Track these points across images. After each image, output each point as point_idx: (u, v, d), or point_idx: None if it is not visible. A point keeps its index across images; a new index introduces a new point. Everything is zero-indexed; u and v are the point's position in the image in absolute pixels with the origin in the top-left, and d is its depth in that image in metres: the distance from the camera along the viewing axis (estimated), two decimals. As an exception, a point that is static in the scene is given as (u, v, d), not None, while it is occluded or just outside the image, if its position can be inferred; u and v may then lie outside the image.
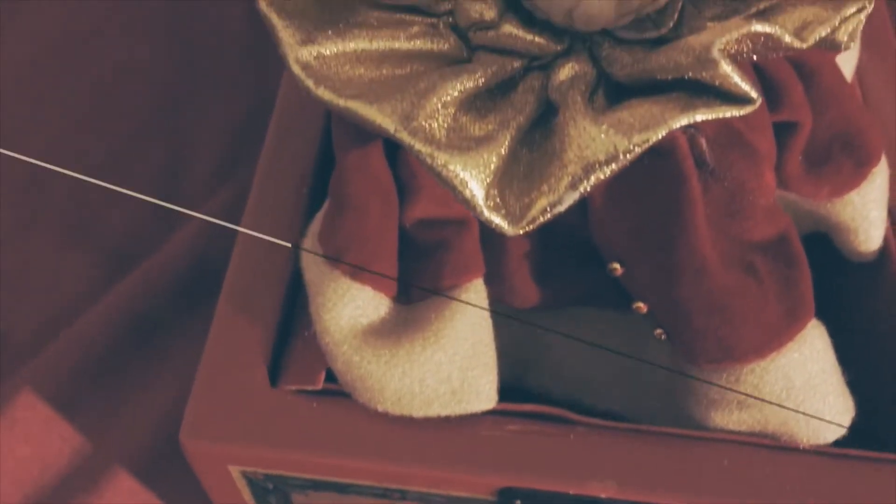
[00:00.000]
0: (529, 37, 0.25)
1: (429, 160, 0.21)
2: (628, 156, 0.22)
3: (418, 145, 0.21)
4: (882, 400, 0.32)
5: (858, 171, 0.32)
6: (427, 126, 0.22)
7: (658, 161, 0.25)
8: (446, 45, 0.25)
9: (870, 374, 0.30)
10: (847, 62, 0.38)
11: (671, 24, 0.25)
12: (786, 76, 0.29)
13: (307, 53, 0.23)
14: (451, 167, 0.21)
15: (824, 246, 0.36)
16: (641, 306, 0.28)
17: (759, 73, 0.28)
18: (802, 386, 0.27)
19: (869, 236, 0.33)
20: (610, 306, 0.31)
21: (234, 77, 0.59)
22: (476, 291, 0.27)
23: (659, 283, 0.27)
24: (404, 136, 0.21)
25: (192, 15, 0.62)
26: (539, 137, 0.24)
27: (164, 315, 0.48)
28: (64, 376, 0.46)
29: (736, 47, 0.22)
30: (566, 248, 0.29)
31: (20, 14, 0.62)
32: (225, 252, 0.50)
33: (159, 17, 0.62)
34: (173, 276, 0.49)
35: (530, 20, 0.25)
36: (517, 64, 0.25)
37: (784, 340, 0.27)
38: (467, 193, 0.22)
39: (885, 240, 0.34)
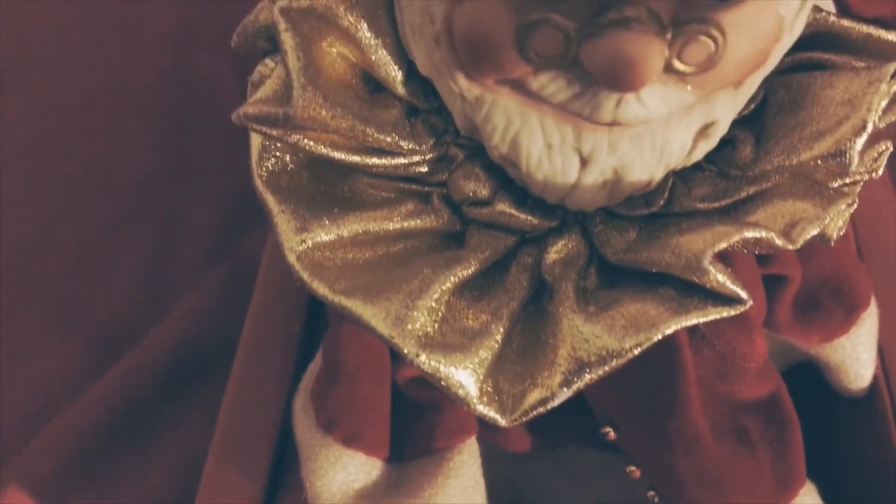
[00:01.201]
0: (523, 216, 0.25)
1: (422, 363, 0.21)
2: (620, 360, 0.22)
3: (410, 349, 0.21)
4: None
5: (848, 317, 0.32)
6: (419, 327, 0.22)
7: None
8: (439, 221, 0.25)
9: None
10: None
11: (661, 203, 0.25)
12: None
13: (302, 243, 0.23)
14: (444, 369, 0.21)
15: (814, 374, 0.36)
16: (634, 470, 0.28)
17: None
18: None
19: (859, 375, 0.34)
20: (604, 450, 0.31)
21: (228, 151, 0.58)
22: (469, 453, 0.27)
23: (651, 451, 0.27)
24: (397, 341, 0.21)
25: (187, 88, 0.62)
26: (532, 314, 0.24)
27: (153, 404, 0.47)
28: (51, 471, 0.45)
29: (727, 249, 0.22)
30: (565, 405, 0.29)
31: (12, 88, 0.62)
32: (217, 336, 0.50)
33: (153, 91, 0.62)
34: (163, 363, 0.48)
35: (524, 196, 0.25)
36: (510, 241, 0.25)
37: (775, 510, 0.27)
38: (461, 392, 0.22)
39: (875, 377, 0.35)
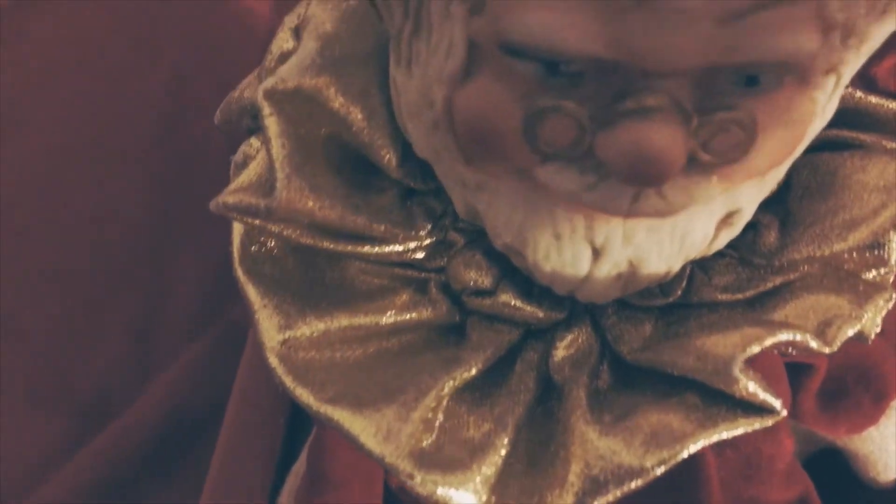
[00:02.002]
0: (529, 308, 0.23)
1: (416, 485, 0.19)
2: (640, 480, 0.19)
3: (404, 467, 0.19)
4: None
5: (877, 406, 0.30)
6: (414, 442, 0.19)
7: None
8: (437, 313, 0.23)
9: None
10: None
11: (679, 292, 0.23)
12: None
13: (285, 342, 0.21)
14: (442, 491, 0.19)
15: (839, 462, 0.34)
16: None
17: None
18: None
19: (887, 467, 0.32)
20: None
21: (215, 215, 0.57)
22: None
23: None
24: (389, 461, 0.19)
25: (177, 149, 0.61)
26: (540, 417, 0.22)
27: (137, 476, 0.46)
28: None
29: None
30: None
31: (-1, 149, 0.61)
32: (202, 406, 0.48)
33: (143, 153, 0.61)
34: (147, 434, 0.47)
35: (529, 285, 0.23)
36: (514, 335, 0.23)
37: None
38: (461, 514, 0.19)
39: (905, 468, 0.32)
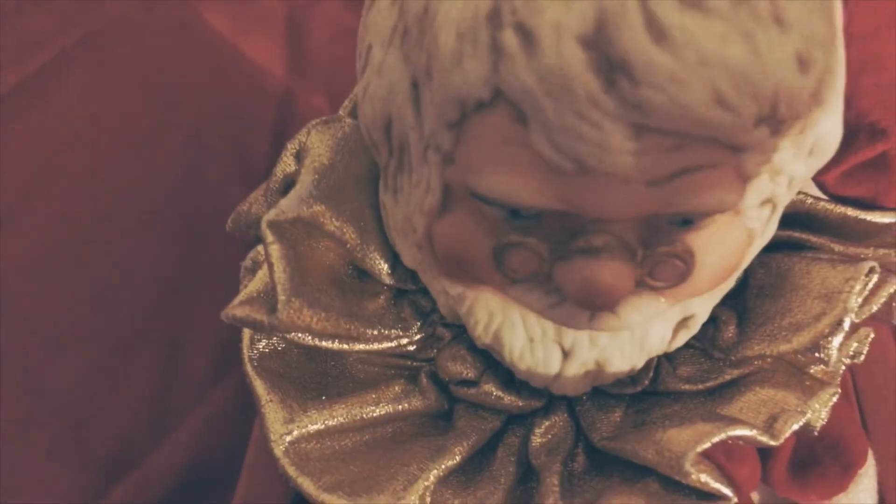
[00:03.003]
0: (509, 398, 0.25)
1: (405, 567, 0.21)
2: (605, 562, 0.22)
3: (394, 552, 0.21)
4: None
5: (845, 475, 0.31)
6: (404, 529, 0.22)
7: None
8: (426, 403, 0.25)
9: None
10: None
11: (646, 382, 0.25)
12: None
13: (289, 436, 0.23)
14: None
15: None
16: None
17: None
18: None
19: (859, 531, 0.33)
20: None
21: (231, 268, 0.60)
22: None
23: None
24: (381, 547, 0.21)
25: (195, 201, 0.64)
26: (521, 496, 0.24)
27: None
28: None
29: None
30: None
31: (26, 206, 0.64)
32: (218, 458, 0.50)
33: (162, 208, 0.64)
34: (163, 486, 0.49)
35: (510, 377, 0.25)
36: (496, 423, 0.25)
37: None
38: None
39: (878, 531, 0.34)
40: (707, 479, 0.22)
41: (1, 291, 0.57)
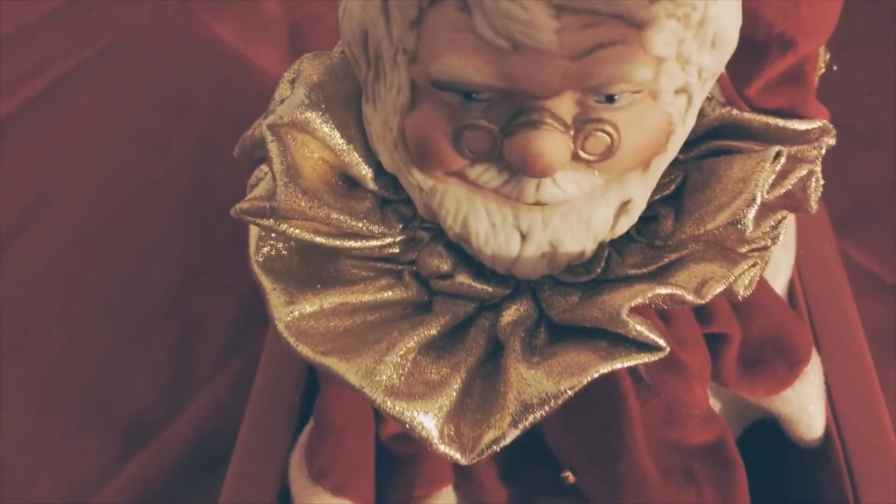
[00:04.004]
0: (480, 285, 0.29)
1: (388, 409, 0.25)
2: (558, 400, 0.25)
3: (379, 398, 0.25)
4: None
5: (791, 371, 0.35)
6: (387, 378, 0.26)
7: (601, 381, 0.29)
8: (410, 294, 0.29)
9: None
10: (784, 259, 0.42)
11: (598, 270, 0.29)
12: (716, 297, 0.33)
13: (290, 315, 0.27)
14: (408, 414, 0.25)
15: (777, 429, 0.39)
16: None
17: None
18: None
19: (810, 426, 0.37)
20: (573, 500, 0.34)
21: (239, 260, 0.64)
22: (445, 499, 0.31)
23: (605, 492, 0.30)
24: (367, 391, 0.25)
25: (204, 204, 0.68)
26: (491, 370, 0.28)
27: (173, 489, 0.51)
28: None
29: (645, 304, 0.26)
30: (529, 451, 0.33)
31: (52, 204, 0.68)
32: (231, 425, 0.54)
33: (175, 208, 0.68)
34: (179, 454, 0.52)
35: (481, 269, 0.30)
36: (470, 308, 0.29)
37: (721, 544, 0.30)
38: (423, 433, 0.26)
39: (827, 427, 0.38)
40: (642, 329, 0.26)
41: (31, 285, 0.62)
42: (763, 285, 0.36)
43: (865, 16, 0.73)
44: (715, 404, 0.37)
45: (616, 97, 0.24)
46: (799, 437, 0.37)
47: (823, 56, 0.35)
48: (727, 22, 0.24)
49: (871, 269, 0.59)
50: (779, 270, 0.40)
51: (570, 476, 0.31)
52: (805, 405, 0.36)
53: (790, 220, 0.42)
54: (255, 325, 0.59)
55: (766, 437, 0.40)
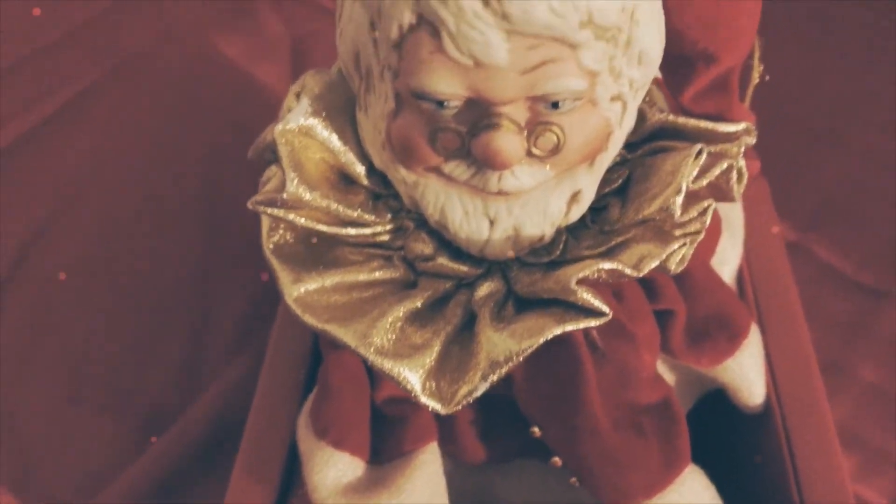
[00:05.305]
0: (457, 266, 0.34)
1: (379, 365, 0.31)
2: (520, 357, 0.31)
3: (371, 356, 0.31)
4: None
5: (731, 343, 0.40)
6: (378, 341, 0.31)
7: (560, 349, 0.35)
8: (398, 274, 0.35)
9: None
10: (732, 249, 0.47)
11: (558, 252, 0.34)
12: (662, 278, 0.38)
13: (297, 291, 0.33)
14: (396, 370, 0.31)
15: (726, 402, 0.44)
16: (557, 461, 0.36)
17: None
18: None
19: (752, 393, 0.42)
20: (543, 459, 0.39)
21: (249, 257, 0.68)
22: (431, 452, 0.36)
23: (566, 443, 0.35)
24: (361, 350, 0.31)
25: (213, 208, 0.73)
26: (466, 336, 0.34)
27: (190, 473, 0.56)
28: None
29: (592, 277, 0.31)
30: (503, 413, 0.38)
31: (69, 215, 0.73)
32: (243, 412, 0.59)
33: (187, 210, 0.73)
34: (195, 438, 0.57)
35: (458, 252, 0.35)
36: (449, 285, 0.34)
37: (665, 484, 0.35)
38: (408, 386, 0.31)
39: (768, 395, 0.43)
40: (588, 297, 0.31)
41: (56, 283, 0.67)
42: (709, 270, 0.41)
43: (829, 23, 0.77)
44: (670, 377, 0.42)
45: (560, 104, 0.29)
46: (743, 403, 0.43)
47: (758, 68, 0.40)
48: (650, 42, 0.30)
49: (834, 266, 0.62)
50: (727, 258, 0.45)
51: (536, 431, 0.36)
52: (745, 374, 0.41)
53: (738, 214, 0.48)
54: (262, 319, 0.63)
55: (717, 407, 0.45)
